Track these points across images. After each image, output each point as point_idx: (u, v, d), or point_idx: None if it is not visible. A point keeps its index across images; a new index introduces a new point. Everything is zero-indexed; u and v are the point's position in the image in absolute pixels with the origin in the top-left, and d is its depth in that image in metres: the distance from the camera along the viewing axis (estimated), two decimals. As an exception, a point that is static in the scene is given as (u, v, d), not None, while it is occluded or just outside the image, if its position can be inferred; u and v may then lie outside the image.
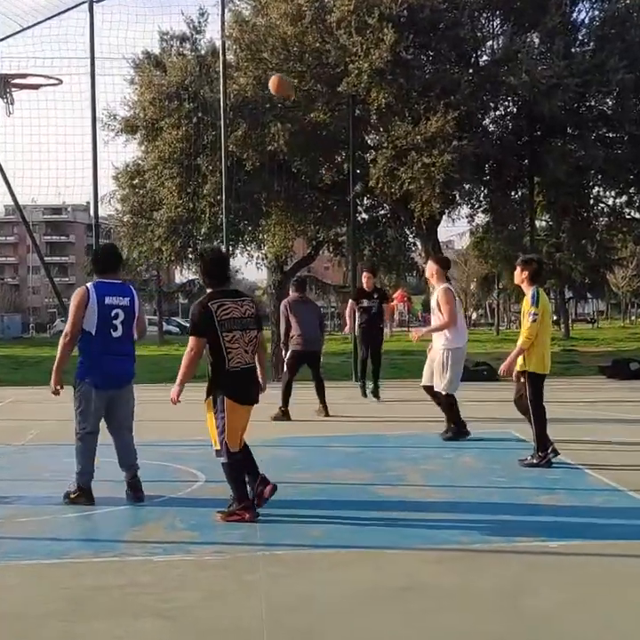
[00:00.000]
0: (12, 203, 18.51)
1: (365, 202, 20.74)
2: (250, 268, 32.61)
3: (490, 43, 18.20)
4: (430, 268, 9.87)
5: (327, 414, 11.72)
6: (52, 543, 5.85)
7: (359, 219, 20.27)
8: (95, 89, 17.47)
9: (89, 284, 7.00)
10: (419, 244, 21.22)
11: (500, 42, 17.80)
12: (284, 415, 11.52)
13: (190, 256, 22.07)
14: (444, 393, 9.60)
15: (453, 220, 20.40)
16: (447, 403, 9.67)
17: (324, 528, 6.06)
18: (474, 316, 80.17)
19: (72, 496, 6.81)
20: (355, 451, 9.23)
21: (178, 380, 6.43)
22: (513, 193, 20.04)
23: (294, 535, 5.87)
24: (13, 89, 10.67)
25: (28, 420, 11.89)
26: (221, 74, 17.31)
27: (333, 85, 16.93)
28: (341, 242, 22.37)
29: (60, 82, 11.77)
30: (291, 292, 12.63)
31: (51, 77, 11.99)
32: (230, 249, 19.30)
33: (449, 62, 17.18)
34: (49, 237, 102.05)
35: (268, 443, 9.55)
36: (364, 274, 13.79)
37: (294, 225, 20.71)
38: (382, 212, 21.39)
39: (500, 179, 18.72)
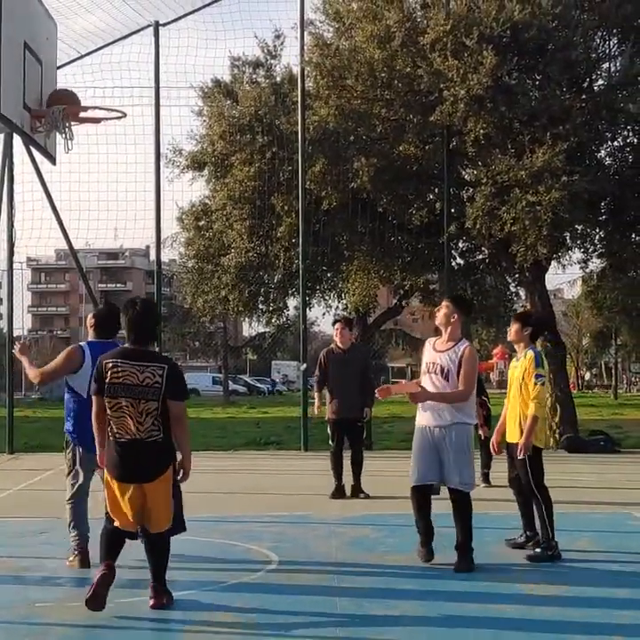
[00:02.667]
0: (66, 247, 19.04)
1: (461, 245, 20.72)
2: (328, 319, 32.71)
3: (606, 65, 18.14)
4: (445, 311, 7.78)
5: (357, 495, 11.28)
6: (107, 632, 5.93)
7: (453, 264, 20.26)
8: (160, 121, 18.07)
9: (83, 343, 7.37)
10: (522, 293, 21.07)
11: (618, 64, 17.73)
12: (337, 492, 11.28)
13: (261, 306, 22.33)
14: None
15: (563, 265, 20.14)
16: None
17: (416, 622, 5.99)
18: (587, 376, 78.84)
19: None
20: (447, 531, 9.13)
21: (97, 444, 6.55)
22: (634, 235, 19.77)
23: (381, 630, 5.81)
24: (72, 123, 11.05)
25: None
26: (299, 103, 17.64)
27: (426, 115, 17.06)
28: (433, 290, 22.34)
29: (124, 114, 12.13)
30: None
31: (113, 110, 12.37)
32: (307, 299, 19.48)
33: (558, 87, 17.15)
34: (104, 285, 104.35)
35: (345, 521, 9.52)
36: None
37: (379, 271, 20.78)
38: (480, 256, 21.32)
39: (618, 218, 18.51)
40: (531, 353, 7.95)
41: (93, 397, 6.43)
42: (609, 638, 5.64)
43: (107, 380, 6.26)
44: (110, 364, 6.30)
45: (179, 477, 6.42)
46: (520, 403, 7.92)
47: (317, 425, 22.01)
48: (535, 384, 7.81)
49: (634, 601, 6.49)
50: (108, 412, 6.28)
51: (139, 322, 6.43)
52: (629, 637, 5.66)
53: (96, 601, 6.09)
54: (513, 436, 7.99)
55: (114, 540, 6.39)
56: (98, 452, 6.53)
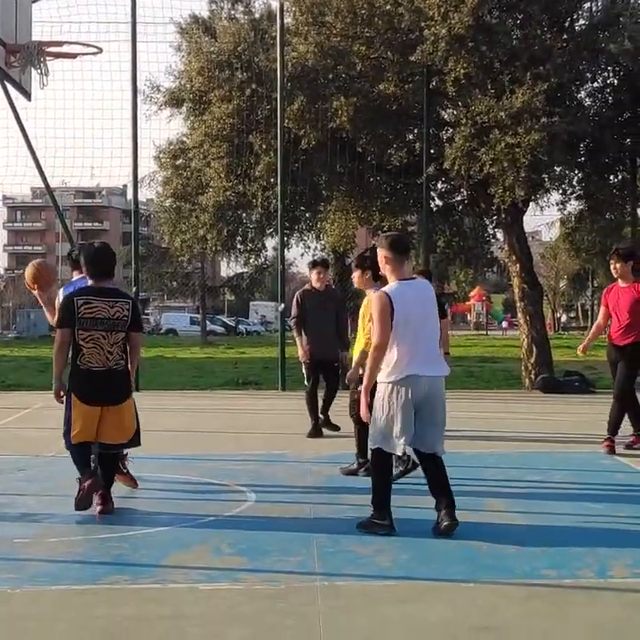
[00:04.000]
0: (42, 185, 18.86)
1: (440, 186, 20.65)
2: (306, 260, 32.62)
3: (587, 5, 17.97)
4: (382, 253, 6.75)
5: (323, 428, 11.33)
6: (84, 567, 5.99)
7: (432, 205, 20.22)
8: (137, 57, 17.79)
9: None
10: (500, 235, 21.08)
11: (599, 3, 17.59)
12: (314, 431, 11.36)
13: (239, 246, 22.27)
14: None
15: (541, 207, 20.11)
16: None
17: (391, 557, 6.10)
18: (564, 318, 79.33)
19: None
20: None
21: (53, 377, 7.33)
22: (612, 177, 19.76)
23: (357, 564, 5.92)
24: (48, 58, 10.88)
25: (58, 429, 12.09)
26: (278, 40, 17.44)
27: (406, 53, 16.90)
28: (411, 231, 22.32)
29: (100, 50, 11.98)
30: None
31: (89, 45, 12.20)
32: (285, 239, 19.43)
33: (539, 27, 17.02)
34: (81, 224, 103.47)
35: (321, 459, 9.63)
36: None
37: (358, 212, 20.72)
38: (459, 198, 21.28)
39: (596, 161, 18.49)
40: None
41: (59, 331, 7.15)
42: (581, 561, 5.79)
43: (79, 315, 7.00)
44: (82, 301, 7.05)
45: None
46: None
47: (295, 365, 22.18)
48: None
49: (604, 534, 6.63)
50: (81, 343, 7.03)
51: (100, 261, 7.23)
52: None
53: (84, 502, 7.01)
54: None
55: (83, 454, 7.22)
56: (56, 385, 7.26)
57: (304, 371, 11.65)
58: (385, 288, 6.61)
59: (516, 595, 5.33)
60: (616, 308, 10.08)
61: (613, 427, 10.10)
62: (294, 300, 11.71)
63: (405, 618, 4.98)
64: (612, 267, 10.12)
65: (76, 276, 7.97)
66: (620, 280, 10.11)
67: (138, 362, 7.68)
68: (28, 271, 8.08)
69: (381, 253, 6.70)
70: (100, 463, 7.27)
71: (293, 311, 11.68)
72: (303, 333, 11.50)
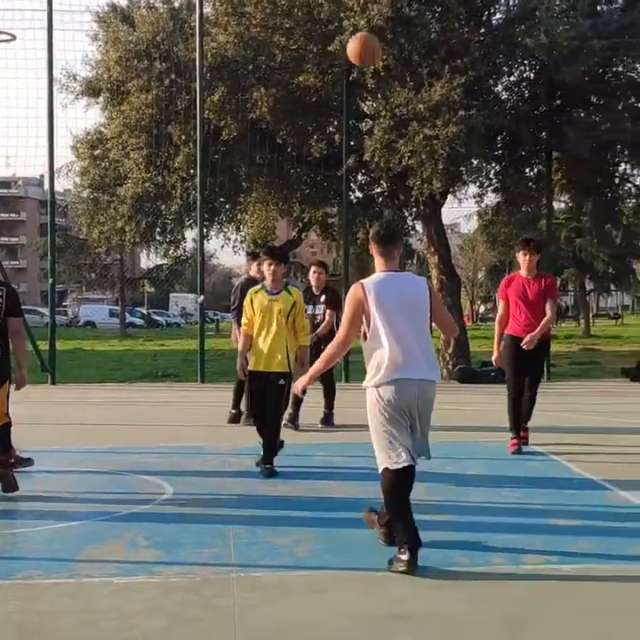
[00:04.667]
0: (-45, 174, 18.45)
1: (360, 178, 20.75)
2: (226, 251, 32.53)
3: (504, -1, 18.24)
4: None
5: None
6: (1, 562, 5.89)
7: (352, 197, 20.29)
8: (53, 45, 17.47)
9: None
10: (419, 227, 21.28)
11: (516, -2, 17.84)
12: (234, 417, 11.66)
13: (158, 238, 22.09)
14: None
15: (459, 200, 20.46)
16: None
17: (307, 547, 6.12)
18: (482, 309, 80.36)
19: None
20: (342, 460, 9.30)
21: None
22: (528, 170, 20.08)
23: (273, 555, 5.93)
24: (-41, 44, 10.65)
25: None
26: (197, 30, 17.30)
27: (325, 45, 16.92)
28: (331, 223, 22.40)
29: (14, 37, 11.74)
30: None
31: (3, 32, 11.95)
32: (204, 230, 19.32)
33: (457, 20, 17.18)
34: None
35: (239, 451, 9.61)
36: (313, 269, 12.12)
37: (278, 203, 20.71)
38: (379, 190, 21.41)
39: (513, 154, 18.77)
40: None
41: None
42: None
43: None
44: None
45: (15, 385, 7.63)
46: None
47: (214, 358, 22.06)
48: None
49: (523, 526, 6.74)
50: None
51: None
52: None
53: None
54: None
55: None
56: None
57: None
58: (365, 279, 5.93)
59: (429, 583, 5.40)
60: (522, 300, 9.79)
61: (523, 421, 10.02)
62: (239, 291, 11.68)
63: (320, 608, 5.00)
64: (522, 257, 9.82)
65: None
66: (525, 271, 9.87)
67: (24, 347, 7.93)
68: None
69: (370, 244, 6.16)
70: None
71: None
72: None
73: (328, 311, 11.48)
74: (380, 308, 5.74)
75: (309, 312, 10.75)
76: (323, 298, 11.56)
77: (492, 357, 10.32)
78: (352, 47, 10.03)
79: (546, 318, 9.71)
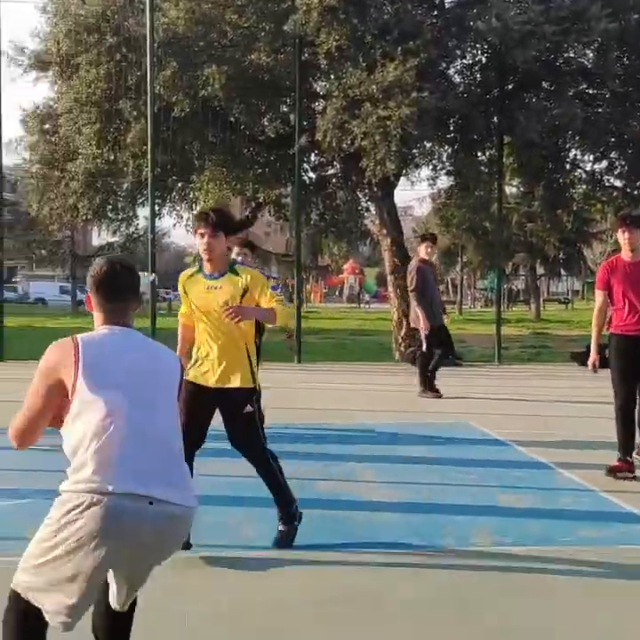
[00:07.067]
0: None
1: (313, 159, 20.66)
2: (179, 230, 32.23)
3: (457, -19, 18.19)
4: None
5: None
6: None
7: (305, 178, 20.20)
8: (0, 17, 17.16)
9: None
10: (373, 208, 21.23)
11: (469, -20, 17.80)
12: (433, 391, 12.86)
13: (110, 215, 21.84)
14: None
15: (412, 182, 20.43)
16: None
17: (258, 528, 6.06)
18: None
19: None
20: (298, 442, 9.25)
21: None
22: (480, 154, 20.12)
23: (221, 535, 5.87)
24: None
25: None
26: (148, 4, 17.04)
27: (278, 23, 16.79)
28: (285, 204, 22.29)
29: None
30: None
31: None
32: (156, 208, 19.11)
33: (410, 2, 17.13)
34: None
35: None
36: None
37: (231, 182, 20.55)
38: (332, 171, 21.34)
39: (465, 137, 18.78)
40: None
41: None
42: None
43: None
44: None
45: None
46: None
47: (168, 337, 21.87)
48: None
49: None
50: None
51: None
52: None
53: None
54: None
55: None
56: None
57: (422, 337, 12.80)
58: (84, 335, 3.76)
59: (378, 562, 5.38)
60: (630, 290, 7.80)
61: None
62: (416, 272, 12.68)
63: (269, 589, 4.96)
64: (621, 236, 7.80)
65: None
66: (628, 253, 7.84)
67: None
68: None
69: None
70: None
71: (413, 283, 12.67)
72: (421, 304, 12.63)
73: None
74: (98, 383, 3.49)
75: None
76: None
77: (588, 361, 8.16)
78: None
79: None
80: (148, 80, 17.03)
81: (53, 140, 20.11)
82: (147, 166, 18.00)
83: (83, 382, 3.38)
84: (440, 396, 12.59)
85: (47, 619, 3.36)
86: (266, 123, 18.44)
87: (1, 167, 18.12)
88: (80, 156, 19.14)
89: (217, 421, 5.75)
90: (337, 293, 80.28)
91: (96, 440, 3.30)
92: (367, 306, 65.29)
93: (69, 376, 3.40)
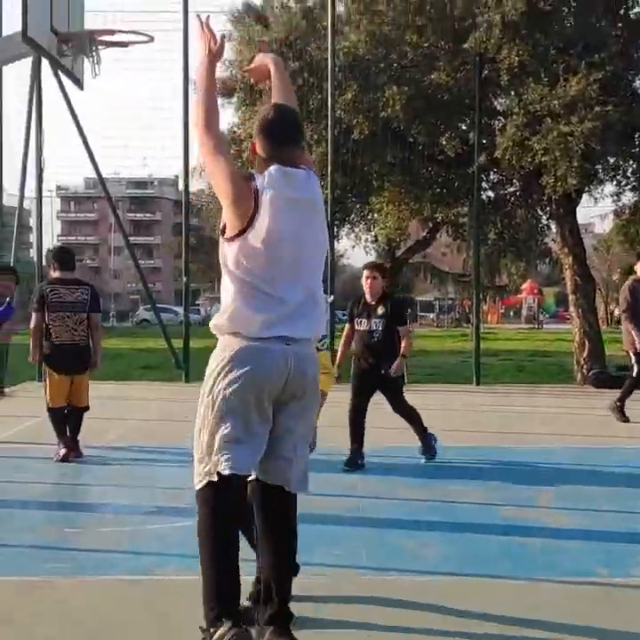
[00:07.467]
0: (94, 175, 18.94)
1: (492, 177, 20.43)
2: (357, 252, 32.57)
3: (642, -8, 17.68)
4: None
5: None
6: (133, 557, 5.97)
7: (484, 197, 19.98)
8: (188, 46, 17.79)
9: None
10: (553, 226, 20.79)
11: (654, -10, 17.28)
12: None
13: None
14: None
15: (595, 199, 19.84)
16: None
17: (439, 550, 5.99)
18: (617, 312, 78.38)
19: None
20: (482, 464, 9.12)
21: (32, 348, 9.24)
22: (669, 168, 19.39)
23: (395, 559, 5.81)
24: (99, 46, 10.92)
25: (113, 419, 12.17)
26: (329, 29, 17.32)
27: (458, 42, 16.72)
28: (462, 223, 22.12)
29: (151, 39, 11.95)
30: None
31: (141, 34, 12.19)
32: (335, 229, 19.32)
33: (594, 15, 16.75)
34: (133, 215, 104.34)
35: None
36: (365, 273, 9.49)
37: (409, 203, 20.57)
38: (511, 189, 21.05)
39: (652, 151, 18.16)
40: None
41: (34, 314, 9.12)
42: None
43: (48, 300, 9.01)
44: (49, 289, 9.12)
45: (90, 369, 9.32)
46: None
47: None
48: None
49: None
50: (49, 322, 8.99)
51: (64, 258, 9.35)
52: None
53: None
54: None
55: (60, 418, 9.16)
56: (33, 354, 9.25)
57: (634, 361, 12.29)
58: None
59: (567, 592, 5.21)
60: None
61: None
62: (628, 291, 12.38)
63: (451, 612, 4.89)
64: None
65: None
66: None
67: (100, 338, 9.46)
68: None
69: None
70: (71, 420, 9.27)
71: (625, 303, 12.43)
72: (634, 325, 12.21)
73: (400, 329, 9.17)
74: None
75: (363, 328, 9.20)
76: (380, 309, 9.19)
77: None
78: None
79: None
80: (329, 104, 17.28)
81: (237, 164, 20.61)
82: (326, 189, 18.25)
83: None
84: (627, 421, 12.14)
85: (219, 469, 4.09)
86: (444, 142, 18.33)
87: (188, 192, 18.75)
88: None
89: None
90: (511, 314, 78.93)
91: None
92: (540, 326, 64.03)
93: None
